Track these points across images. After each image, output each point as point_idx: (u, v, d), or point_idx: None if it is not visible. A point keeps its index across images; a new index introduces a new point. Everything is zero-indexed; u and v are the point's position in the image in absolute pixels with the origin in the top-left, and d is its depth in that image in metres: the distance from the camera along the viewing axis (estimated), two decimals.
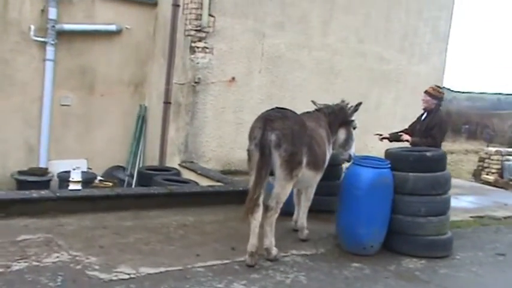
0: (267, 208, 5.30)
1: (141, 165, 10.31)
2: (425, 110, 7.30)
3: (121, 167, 10.31)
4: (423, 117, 7.32)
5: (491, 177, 12.35)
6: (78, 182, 8.05)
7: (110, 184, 8.58)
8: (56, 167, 9.42)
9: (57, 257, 5.02)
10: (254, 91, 9.89)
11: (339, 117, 6.44)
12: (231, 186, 7.82)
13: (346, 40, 10.91)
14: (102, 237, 5.70)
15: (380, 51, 11.45)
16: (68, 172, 9.11)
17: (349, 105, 6.54)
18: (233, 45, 9.53)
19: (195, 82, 9.22)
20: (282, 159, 5.22)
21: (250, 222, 5.22)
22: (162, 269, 4.93)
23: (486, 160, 12.91)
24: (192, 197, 7.28)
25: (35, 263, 4.82)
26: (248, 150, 5.44)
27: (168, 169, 9.13)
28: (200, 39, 9.21)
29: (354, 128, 6.54)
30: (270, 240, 5.44)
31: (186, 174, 9.02)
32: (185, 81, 9.26)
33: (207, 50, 9.30)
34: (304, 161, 5.47)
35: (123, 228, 6.07)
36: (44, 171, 9.08)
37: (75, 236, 5.64)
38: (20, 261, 4.84)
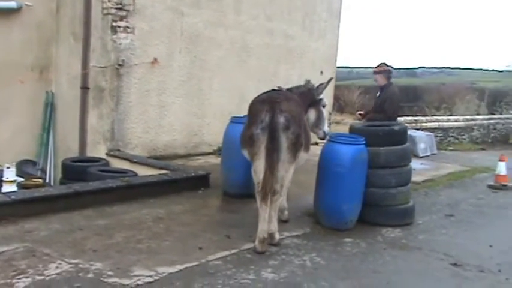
0: (274, 192, 5.16)
1: (52, 158, 9.43)
2: (379, 87, 7.60)
3: (30, 161, 9.30)
4: (378, 94, 7.65)
5: None
6: (13, 181, 7.10)
7: (40, 181, 7.69)
8: None
9: (57, 267, 4.47)
10: (175, 72, 9.50)
11: (308, 97, 6.38)
12: (183, 172, 7.50)
13: (256, 18, 10.90)
14: (86, 240, 5.17)
15: (285, 28, 11.63)
16: None
17: (315, 85, 6.56)
18: (154, 24, 9.02)
19: (119, 64, 8.58)
20: (289, 142, 5.16)
21: (262, 209, 5.12)
22: (180, 267, 4.64)
23: None
24: (149, 188, 6.86)
25: (38, 277, 4.25)
26: (251, 135, 5.24)
27: (95, 160, 8.44)
28: (121, 18, 8.56)
29: (324, 106, 6.55)
30: (275, 226, 5.38)
31: (117, 164, 8.42)
32: (107, 64, 8.57)
33: (129, 30, 8.69)
34: (303, 142, 5.45)
35: (101, 227, 5.56)
36: None
37: (57, 242, 5.04)
38: (18, 277, 4.23)
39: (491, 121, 19.75)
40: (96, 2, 8.65)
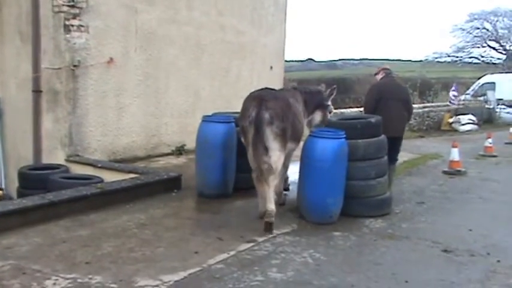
0: (269, 172, 5.66)
1: (2, 167, 8.87)
2: None
3: None
4: None
5: None
6: None
7: (0, 193, 7.17)
8: None
9: (55, 283, 4.21)
10: (132, 72, 9.16)
11: (315, 98, 6.87)
12: (155, 175, 7.24)
13: (208, 14, 10.71)
14: (74, 252, 4.89)
15: (236, 24, 11.50)
16: None
17: (324, 91, 7.05)
18: (109, 22, 8.64)
19: (74, 65, 8.17)
20: (274, 134, 5.66)
21: (259, 190, 5.85)
22: (184, 274, 4.49)
23: None
24: (124, 193, 6.58)
25: None
26: (242, 127, 5.90)
27: (54, 167, 7.98)
28: (74, 16, 8.14)
29: (330, 112, 7.00)
30: (272, 207, 5.64)
31: (78, 170, 8.01)
32: (62, 65, 8.13)
33: (83, 29, 8.27)
34: (289, 134, 5.84)
35: (85, 238, 5.27)
36: None
37: (43, 257, 4.74)
38: None
39: (425, 109, 20.55)
40: (45, 0, 8.17)
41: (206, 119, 7.08)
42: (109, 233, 5.47)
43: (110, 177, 7.56)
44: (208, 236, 5.44)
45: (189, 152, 9.88)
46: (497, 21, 42.87)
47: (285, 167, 6.55)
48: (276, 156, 5.69)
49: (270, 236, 5.54)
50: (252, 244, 5.26)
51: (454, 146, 10.15)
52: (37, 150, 8.44)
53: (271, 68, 12.79)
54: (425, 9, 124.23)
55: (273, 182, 5.76)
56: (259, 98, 5.80)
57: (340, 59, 71.36)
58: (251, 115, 5.67)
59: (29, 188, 7.49)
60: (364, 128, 6.50)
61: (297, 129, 6.08)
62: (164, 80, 9.86)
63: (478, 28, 43.84)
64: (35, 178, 7.59)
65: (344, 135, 6.17)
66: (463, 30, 43.99)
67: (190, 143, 9.65)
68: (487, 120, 22.21)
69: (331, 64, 66.42)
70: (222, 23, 11.09)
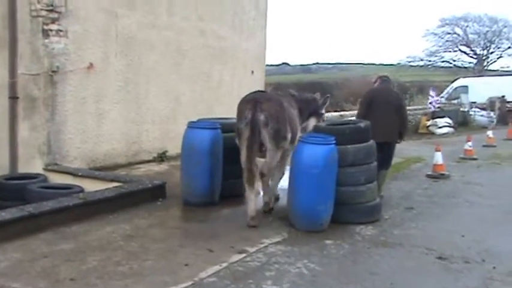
0: (262, 174, 6.14)
1: None
2: None
3: None
4: None
5: None
6: None
7: None
8: None
9: None
10: (112, 77, 8.90)
11: (310, 106, 7.24)
12: (138, 184, 7.01)
13: (188, 19, 10.52)
14: (57, 267, 4.65)
15: (217, 29, 11.33)
16: None
17: (320, 98, 7.46)
18: (88, 27, 8.38)
19: (53, 71, 7.89)
20: (269, 135, 5.95)
21: (249, 192, 5.91)
22: None
23: None
24: (107, 203, 6.34)
25: None
26: (238, 128, 6.08)
27: (31, 176, 7.69)
28: (53, 21, 7.86)
29: (323, 120, 7.33)
30: (269, 196, 6.57)
31: (57, 179, 7.72)
32: (40, 70, 7.84)
33: (61, 34, 8.00)
34: (289, 136, 6.14)
35: (68, 252, 5.02)
36: None
37: (24, 274, 4.50)
38: None
39: None
40: (23, 4, 7.88)
41: (192, 125, 6.88)
42: (93, 246, 5.23)
43: (91, 186, 7.31)
44: (198, 247, 5.25)
45: (170, 158, 9.68)
46: (467, 26, 43.78)
47: (281, 172, 6.73)
48: (270, 156, 6.04)
49: (261, 246, 5.38)
50: (243, 255, 5.08)
51: (437, 150, 10.15)
52: (13, 159, 8.10)
53: (252, 72, 12.65)
54: (398, 13, 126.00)
55: (267, 180, 6.31)
56: (253, 101, 6.00)
57: (314, 63, 71.83)
58: (247, 117, 5.88)
59: (5, 199, 7.16)
60: (353, 133, 6.39)
61: (291, 131, 6.28)
62: (145, 86, 9.63)
63: (449, 33, 44.64)
64: (11, 188, 7.29)
65: (334, 141, 6.04)
66: (435, 34, 44.75)
67: (172, 150, 9.50)
68: (462, 123, 22.46)
69: (305, 68, 66.73)
70: (202, 28, 10.91)
